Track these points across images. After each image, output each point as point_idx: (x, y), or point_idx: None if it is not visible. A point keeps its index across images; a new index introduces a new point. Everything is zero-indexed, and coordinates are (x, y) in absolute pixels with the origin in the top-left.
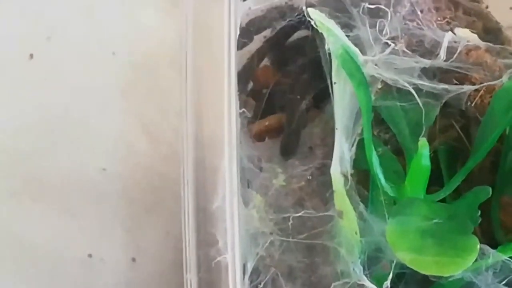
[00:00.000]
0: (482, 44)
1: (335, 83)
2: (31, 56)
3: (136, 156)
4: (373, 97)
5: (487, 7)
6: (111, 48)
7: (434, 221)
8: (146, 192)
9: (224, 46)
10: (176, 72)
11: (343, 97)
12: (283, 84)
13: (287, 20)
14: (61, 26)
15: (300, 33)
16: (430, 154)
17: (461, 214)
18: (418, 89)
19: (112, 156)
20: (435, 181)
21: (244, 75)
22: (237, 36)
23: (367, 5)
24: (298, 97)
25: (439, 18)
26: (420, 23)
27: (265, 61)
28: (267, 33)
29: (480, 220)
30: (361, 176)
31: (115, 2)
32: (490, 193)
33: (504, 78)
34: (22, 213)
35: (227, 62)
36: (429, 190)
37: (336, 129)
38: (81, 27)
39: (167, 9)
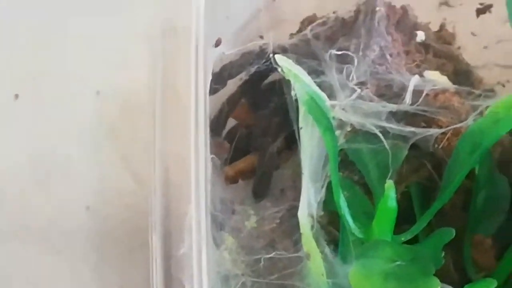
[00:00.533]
0: (451, 86)
1: (301, 128)
2: (16, 96)
3: (121, 196)
4: (342, 140)
5: (459, 48)
6: (95, 87)
7: (397, 263)
8: (131, 232)
9: (191, 93)
10: None
11: (311, 141)
12: (256, 127)
13: (261, 64)
14: (46, 67)
15: (275, 76)
16: (401, 193)
17: (424, 256)
18: (386, 132)
19: (97, 195)
20: (409, 220)
21: (220, 119)
22: (209, 82)
23: (334, 51)
24: (270, 139)
25: (408, 62)
26: (389, 67)
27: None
28: (244, 76)
29: (443, 261)
30: (332, 217)
31: (99, 42)
32: (454, 234)
33: (470, 121)
34: (8, 253)
35: (193, 108)
36: (402, 229)
37: (303, 174)
38: (66, 67)
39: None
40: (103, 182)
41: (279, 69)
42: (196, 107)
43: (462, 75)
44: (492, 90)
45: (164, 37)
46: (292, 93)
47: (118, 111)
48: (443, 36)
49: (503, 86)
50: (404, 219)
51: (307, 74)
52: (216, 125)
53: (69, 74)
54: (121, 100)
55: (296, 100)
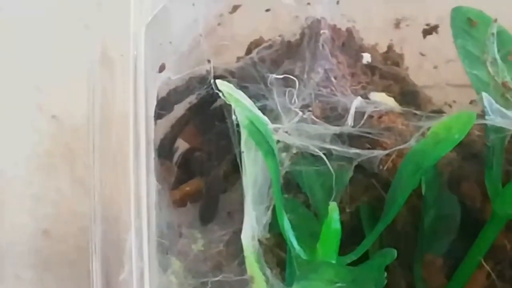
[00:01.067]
0: (397, 107)
1: (243, 152)
2: None
3: (78, 219)
4: (288, 162)
5: (407, 68)
6: (50, 112)
7: (338, 285)
8: (88, 256)
9: (129, 118)
10: None
11: (255, 164)
12: (203, 150)
13: (205, 89)
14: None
15: (222, 100)
16: (350, 214)
17: (366, 277)
18: (330, 153)
19: (54, 219)
20: (359, 241)
21: (165, 142)
22: (155, 107)
23: (274, 76)
24: (216, 163)
25: (354, 84)
26: (334, 89)
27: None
28: (193, 99)
29: (385, 282)
30: (279, 239)
31: (53, 65)
32: (395, 255)
33: (412, 142)
34: None
35: (132, 132)
36: (352, 250)
37: (245, 197)
38: (21, 90)
39: None
40: (60, 206)
41: (220, 94)
42: (136, 131)
43: (409, 95)
44: (440, 111)
45: (102, 65)
46: (233, 117)
47: (73, 135)
48: (391, 57)
49: (450, 106)
50: (355, 239)
51: (248, 99)
52: (162, 149)
53: (24, 97)
54: (76, 124)
55: (238, 124)
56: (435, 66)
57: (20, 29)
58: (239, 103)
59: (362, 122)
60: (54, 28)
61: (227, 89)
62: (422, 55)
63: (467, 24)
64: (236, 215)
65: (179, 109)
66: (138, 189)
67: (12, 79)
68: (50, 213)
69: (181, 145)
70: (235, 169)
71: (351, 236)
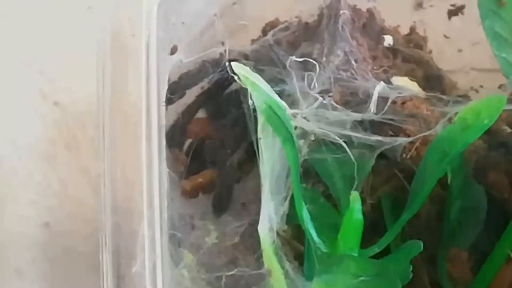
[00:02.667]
0: (421, 92)
1: (260, 138)
2: None
3: (81, 211)
4: (306, 150)
5: (430, 52)
6: (53, 98)
7: (362, 278)
8: (93, 248)
9: (141, 103)
10: None
11: (272, 152)
12: (215, 138)
13: (219, 72)
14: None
15: (238, 85)
16: (372, 205)
17: (390, 270)
18: (351, 141)
19: (56, 211)
20: (381, 233)
21: (175, 130)
22: (166, 91)
23: (294, 58)
24: (230, 151)
25: (375, 67)
26: (354, 73)
27: (202, 113)
28: (205, 85)
29: (411, 275)
30: (297, 231)
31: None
32: (422, 247)
33: (438, 128)
34: None
35: (145, 118)
36: (373, 242)
37: (263, 186)
38: (22, 77)
39: None
40: (62, 197)
41: (236, 77)
42: (148, 117)
43: (433, 80)
44: (465, 96)
45: (113, 46)
46: (250, 102)
47: (77, 123)
48: (414, 39)
49: (477, 91)
50: (376, 232)
51: (265, 82)
52: (172, 137)
53: (26, 84)
54: (80, 111)
55: (254, 109)
56: (460, 49)
57: (22, 11)
58: (256, 86)
59: (386, 108)
60: (57, 10)
61: (243, 72)
62: (446, 37)
63: (495, 4)
64: (252, 206)
65: (191, 95)
66: (150, 178)
67: (14, 64)
68: (52, 204)
69: (192, 133)
70: (250, 157)
71: (371, 228)
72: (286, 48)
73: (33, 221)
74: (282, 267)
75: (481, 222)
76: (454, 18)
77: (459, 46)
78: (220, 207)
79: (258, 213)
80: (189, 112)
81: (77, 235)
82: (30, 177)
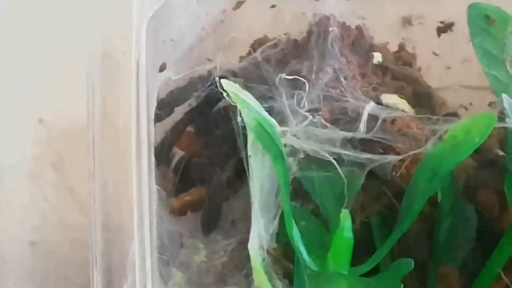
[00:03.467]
0: (410, 110)
1: (250, 156)
2: None
3: (67, 230)
4: (295, 168)
5: (419, 69)
6: (37, 115)
7: None
8: (78, 269)
9: (131, 121)
10: None
11: (262, 169)
12: (203, 156)
13: (208, 89)
14: None
15: (225, 102)
16: (361, 223)
17: None
18: (341, 159)
19: (42, 230)
20: (370, 252)
21: (163, 147)
22: (154, 109)
23: (283, 76)
24: (218, 169)
25: (364, 85)
26: (343, 90)
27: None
28: (192, 102)
29: None
30: (286, 249)
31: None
32: (413, 265)
33: (429, 146)
34: None
35: (134, 136)
36: (362, 261)
37: (253, 204)
38: (6, 93)
39: None
40: (48, 216)
41: (225, 95)
42: (138, 134)
43: (422, 98)
44: (455, 113)
45: (103, 63)
46: (239, 119)
47: (62, 140)
48: (403, 57)
49: (466, 109)
50: (365, 250)
51: (255, 99)
52: (159, 154)
53: (9, 100)
54: (65, 128)
55: (244, 126)
56: (448, 66)
57: (5, 27)
58: (246, 104)
59: (377, 126)
60: (42, 26)
61: (233, 89)
62: (435, 54)
63: (485, 22)
64: (240, 223)
65: (179, 112)
66: (140, 196)
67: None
68: (38, 224)
69: (180, 151)
70: (238, 175)
71: (361, 247)
72: (275, 65)
73: (19, 240)
74: (272, 286)
75: (471, 241)
76: (443, 35)
77: (448, 63)
78: (209, 226)
79: (247, 231)
80: (176, 129)
81: (64, 255)
82: (15, 196)
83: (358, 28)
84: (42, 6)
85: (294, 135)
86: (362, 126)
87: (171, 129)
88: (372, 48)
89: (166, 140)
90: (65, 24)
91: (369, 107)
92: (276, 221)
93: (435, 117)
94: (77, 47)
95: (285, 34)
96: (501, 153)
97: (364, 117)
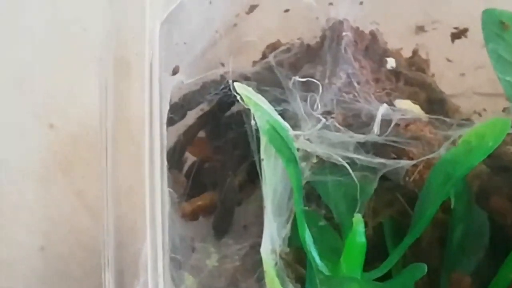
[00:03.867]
0: (424, 116)
1: (263, 159)
2: None
3: (76, 234)
4: (308, 172)
5: (433, 75)
6: (47, 120)
7: None
8: (88, 272)
9: (144, 124)
10: None
11: (274, 173)
12: (215, 160)
13: (221, 93)
14: None
15: (238, 107)
16: (373, 228)
17: None
18: (354, 163)
19: (51, 235)
20: (382, 257)
21: (175, 151)
22: (167, 112)
23: (297, 78)
24: (231, 173)
25: (377, 90)
26: (357, 95)
27: (202, 134)
28: (205, 106)
29: None
30: (298, 254)
31: (51, 73)
32: (426, 270)
33: (442, 151)
34: None
35: (148, 139)
36: (374, 266)
37: (265, 207)
38: (16, 99)
39: None
40: (57, 221)
41: (238, 98)
42: (151, 138)
43: (436, 104)
44: (468, 120)
45: (116, 65)
46: (252, 122)
47: (72, 145)
48: (416, 62)
49: (480, 115)
50: (377, 256)
51: (268, 103)
52: (172, 158)
53: (19, 105)
54: (75, 134)
55: (257, 130)
56: (462, 73)
57: (15, 32)
58: (259, 107)
59: (390, 130)
60: (51, 31)
61: (246, 93)
62: (449, 61)
63: (499, 27)
64: (253, 228)
65: (191, 116)
66: (153, 198)
67: (7, 85)
68: (47, 228)
69: (192, 155)
70: (251, 179)
71: (373, 252)
72: (288, 70)
73: (28, 245)
74: None
75: (484, 247)
76: (457, 41)
77: (462, 69)
78: (220, 230)
79: (259, 236)
80: (189, 133)
81: (73, 260)
82: (24, 201)
83: (372, 33)
84: (53, 10)
85: (307, 139)
86: (376, 128)
87: (183, 133)
88: (386, 53)
89: (179, 144)
90: (76, 28)
91: (383, 109)
92: (289, 225)
93: (447, 120)
94: (89, 51)
95: (298, 38)
96: None
97: (378, 118)
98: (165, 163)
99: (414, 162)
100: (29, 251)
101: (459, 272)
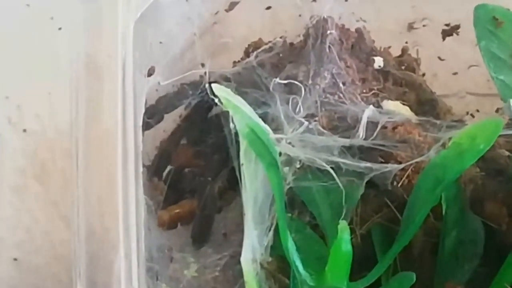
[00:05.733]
0: (413, 117)
1: (243, 164)
2: None
3: (51, 246)
4: (291, 178)
5: (423, 74)
6: (21, 125)
7: None
8: (63, 286)
9: (117, 128)
10: None
11: (255, 178)
12: (194, 166)
13: (199, 96)
14: None
15: (219, 109)
16: (361, 236)
17: None
18: (339, 168)
19: (25, 246)
20: (370, 266)
21: (161, 158)
22: (142, 115)
23: (278, 80)
24: (210, 179)
25: (364, 91)
26: (342, 96)
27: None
28: (183, 110)
29: None
30: (281, 263)
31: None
32: (414, 279)
33: (431, 154)
34: None
35: (121, 144)
36: (362, 276)
37: (245, 214)
38: None
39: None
40: (32, 231)
41: (216, 100)
42: (124, 142)
43: (426, 105)
44: (460, 121)
45: (87, 66)
46: (231, 126)
47: (47, 152)
48: (405, 61)
49: (472, 116)
50: (364, 264)
51: (247, 105)
52: (154, 165)
53: None
54: (51, 140)
55: (236, 133)
56: (455, 72)
57: None
58: (238, 109)
59: (376, 133)
60: (24, 32)
61: (224, 94)
62: (441, 59)
63: (492, 24)
64: (233, 237)
65: (169, 119)
66: (126, 206)
67: None
68: (21, 239)
69: (176, 162)
70: (231, 185)
71: (360, 260)
72: (270, 70)
73: (1, 257)
74: None
75: (478, 255)
76: (449, 38)
77: (454, 68)
78: (199, 239)
79: (240, 245)
80: (173, 139)
81: (49, 272)
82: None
83: (358, 31)
84: (24, 9)
85: (289, 143)
86: (362, 131)
87: (168, 140)
88: (373, 52)
89: (163, 152)
90: (50, 29)
91: (369, 111)
92: (271, 233)
93: (438, 122)
94: (61, 54)
95: (280, 37)
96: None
97: (363, 121)
98: (140, 169)
99: (402, 166)
100: (2, 263)
101: (452, 281)
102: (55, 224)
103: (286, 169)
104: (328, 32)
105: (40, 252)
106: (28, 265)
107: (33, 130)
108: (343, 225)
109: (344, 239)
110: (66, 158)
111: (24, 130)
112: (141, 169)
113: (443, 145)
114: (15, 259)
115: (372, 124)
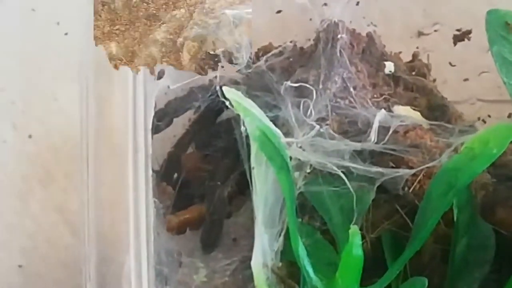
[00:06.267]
0: (424, 122)
1: (253, 168)
2: None
3: (56, 252)
4: (301, 182)
5: (434, 80)
6: (26, 130)
7: None
8: None
9: (128, 132)
10: None
11: (265, 182)
12: (204, 170)
13: (209, 99)
14: None
15: (228, 113)
16: (371, 242)
17: None
18: (350, 172)
19: (30, 252)
20: (381, 273)
21: (170, 162)
22: (152, 119)
23: (289, 83)
24: (219, 184)
25: (375, 95)
26: (352, 101)
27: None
28: (192, 115)
29: None
30: (291, 268)
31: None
32: (426, 284)
33: (443, 159)
34: None
35: (131, 147)
36: (372, 282)
37: (256, 218)
38: None
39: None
40: (36, 237)
41: (227, 103)
42: (135, 146)
43: (437, 110)
44: (472, 126)
45: (97, 70)
46: (242, 129)
47: (52, 157)
48: (416, 67)
49: (484, 122)
50: (375, 270)
51: (258, 108)
52: (163, 170)
53: None
54: (55, 144)
55: (247, 136)
56: (466, 78)
57: None
58: (249, 112)
59: (387, 137)
60: (30, 37)
61: (235, 97)
62: (452, 65)
63: (504, 29)
64: (243, 241)
65: (178, 124)
66: (137, 209)
67: None
68: (26, 246)
69: (185, 166)
70: (241, 190)
71: (371, 266)
72: (280, 74)
73: (5, 263)
74: None
75: (489, 262)
76: (460, 44)
77: (465, 74)
78: (209, 244)
79: (250, 250)
80: (182, 144)
81: (53, 279)
82: (1, 216)
83: (369, 35)
84: (31, 15)
85: (300, 147)
86: (373, 135)
87: (176, 144)
88: (384, 57)
89: (172, 155)
90: (57, 34)
91: (380, 115)
92: (281, 238)
93: (450, 126)
94: (67, 57)
95: (291, 41)
96: None
97: (375, 125)
98: (150, 172)
99: (413, 171)
100: (7, 270)
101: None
102: (59, 229)
103: (296, 173)
104: (339, 36)
105: (45, 258)
106: (32, 272)
107: (38, 135)
108: (354, 230)
109: (355, 244)
110: (71, 164)
111: (30, 136)
112: (150, 172)
113: (455, 150)
114: (20, 266)
115: (383, 129)
